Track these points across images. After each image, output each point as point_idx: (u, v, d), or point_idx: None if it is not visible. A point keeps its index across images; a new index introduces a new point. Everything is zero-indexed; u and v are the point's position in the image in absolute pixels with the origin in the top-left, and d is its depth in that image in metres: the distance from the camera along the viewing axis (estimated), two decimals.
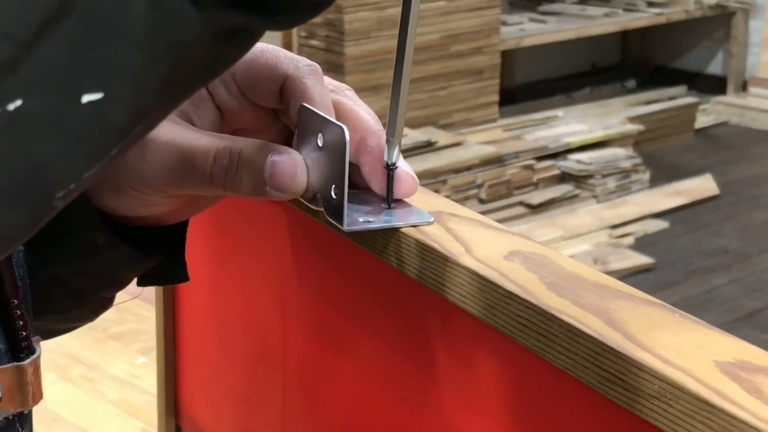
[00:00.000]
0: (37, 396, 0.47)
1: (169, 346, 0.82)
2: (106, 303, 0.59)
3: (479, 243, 0.49)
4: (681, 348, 0.39)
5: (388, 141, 0.52)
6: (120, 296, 0.60)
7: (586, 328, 0.41)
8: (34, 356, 0.47)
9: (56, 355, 1.66)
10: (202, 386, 0.79)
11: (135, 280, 0.58)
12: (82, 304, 0.57)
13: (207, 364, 0.78)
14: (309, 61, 0.52)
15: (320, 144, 0.50)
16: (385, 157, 0.52)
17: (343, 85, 0.56)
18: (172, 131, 0.50)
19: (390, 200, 0.52)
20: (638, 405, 0.39)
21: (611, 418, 0.41)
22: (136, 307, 1.53)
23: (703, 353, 0.39)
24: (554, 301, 0.43)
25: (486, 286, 0.45)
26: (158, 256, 0.56)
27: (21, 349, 0.46)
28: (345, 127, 0.48)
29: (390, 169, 0.52)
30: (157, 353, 0.83)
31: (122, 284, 0.57)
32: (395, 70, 0.50)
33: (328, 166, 0.49)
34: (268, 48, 0.51)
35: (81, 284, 0.55)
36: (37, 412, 1.19)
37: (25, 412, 0.47)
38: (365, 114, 0.54)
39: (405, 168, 0.53)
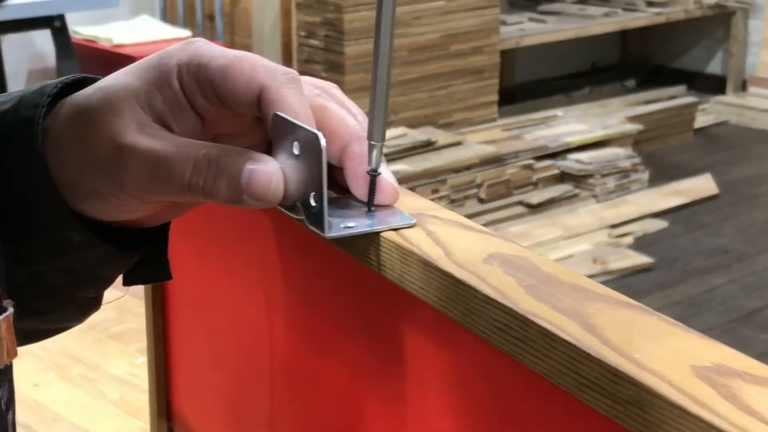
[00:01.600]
0: (12, 352, 0.47)
1: (159, 350, 0.82)
2: (92, 303, 0.58)
3: (459, 246, 0.48)
4: (657, 352, 0.39)
5: (369, 146, 0.51)
6: (115, 294, 0.60)
7: (563, 333, 0.41)
8: (6, 314, 0.47)
9: (56, 354, 1.66)
10: (194, 389, 0.79)
11: (121, 280, 0.58)
12: (65, 303, 0.57)
13: (198, 366, 0.78)
14: (287, 70, 0.51)
15: (296, 152, 0.49)
16: (366, 163, 0.51)
17: (329, 84, 0.56)
18: (151, 139, 0.49)
19: (371, 205, 0.52)
20: (615, 411, 0.39)
21: (589, 424, 0.41)
22: (135, 307, 1.53)
23: (679, 357, 0.39)
24: (532, 306, 0.43)
25: (464, 290, 0.45)
26: (138, 253, 0.55)
27: None
28: (320, 134, 0.48)
29: (372, 174, 0.51)
30: (148, 357, 0.83)
31: (104, 283, 0.57)
32: (374, 71, 0.50)
33: (306, 173, 0.49)
34: (246, 56, 0.51)
35: (61, 282, 0.55)
36: (37, 411, 1.18)
37: (1, 367, 0.47)
38: (352, 120, 0.53)
39: (387, 176, 0.52)
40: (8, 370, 0.49)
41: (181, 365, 0.81)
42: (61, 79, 0.54)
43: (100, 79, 0.54)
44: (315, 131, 0.48)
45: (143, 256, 0.56)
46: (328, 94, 0.55)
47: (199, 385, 0.78)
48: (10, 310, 0.47)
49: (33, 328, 0.57)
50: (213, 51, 0.51)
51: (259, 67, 0.50)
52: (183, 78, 0.50)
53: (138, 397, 1.18)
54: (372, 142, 0.51)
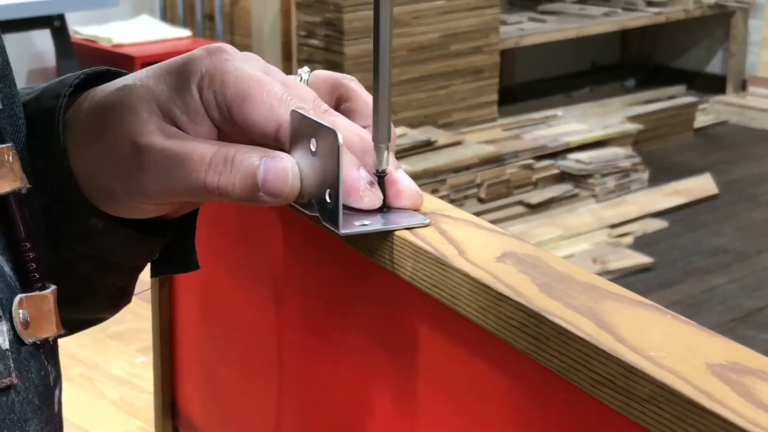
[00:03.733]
0: (58, 326, 0.48)
1: (165, 348, 0.82)
2: (122, 294, 0.59)
3: (472, 245, 0.48)
4: (672, 350, 0.39)
5: (376, 147, 0.51)
6: None
7: (578, 331, 0.41)
8: (53, 288, 0.48)
9: None
10: (199, 387, 0.79)
11: (149, 271, 0.59)
12: (94, 292, 0.57)
13: (203, 365, 0.78)
14: (300, 104, 0.51)
15: (313, 149, 0.49)
16: (375, 165, 0.51)
17: (347, 78, 0.55)
18: (168, 140, 0.50)
19: (384, 205, 0.52)
20: (630, 408, 0.39)
21: (603, 421, 0.41)
22: (136, 307, 1.53)
23: (694, 355, 0.39)
24: (546, 303, 0.43)
25: (478, 288, 0.45)
26: (162, 239, 0.56)
27: (34, 289, 0.47)
28: (338, 131, 0.48)
29: (380, 175, 0.51)
30: (153, 355, 0.83)
31: (131, 271, 0.57)
32: (375, 73, 0.50)
33: (322, 170, 0.49)
34: (264, 84, 0.50)
35: (87, 269, 0.55)
36: None
37: (51, 341, 0.48)
38: (362, 132, 0.53)
39: (408, 183, 0.52)
40: (55, 347, 0.50)
41: (186, 363, 0.81)
42: (84, 70, 0.54)
43: (122, 73, 0.54)
44: (333, 128, 0.48)
45: (169, 245, 0.56)
46: (346, 88, 0.55)
47: (204, 384, 0.78)
48: (54, 287, 0.48)
49: (66, 318, 0.57)
50: (237, 70, 0.50)
51: (276, 100, 0.50)
52: (203, 90, 0.50)
53: (138, 396, 1.18)
54: (380, 144, 0.51)
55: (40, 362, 0.47)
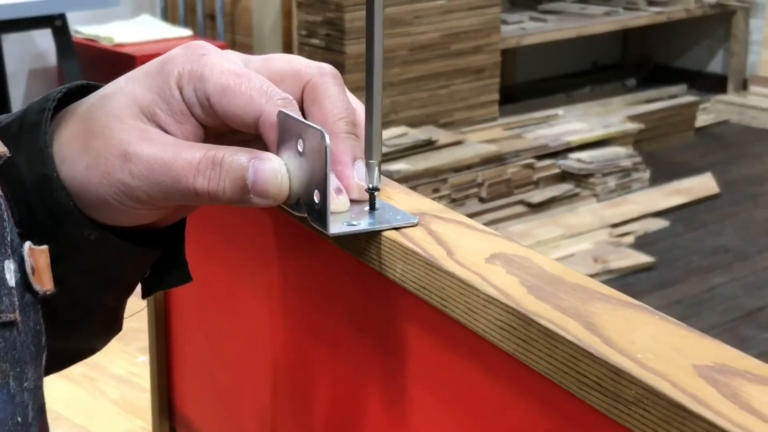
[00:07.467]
0: (51, 283, 0.48)
1: (161, 348, 0.82)
2: (113, 316, 0.58)
3: (461, 246, 0.48)
4: (659, 352, 0.39)
5: (368, 164, 0.51)
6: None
7: (565, 333, 0.41)
8: (45, 246, 0.48)
9: None
10: (196, 387, 0.80)
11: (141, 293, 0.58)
12: (88, 311, 0.57)
13: (200, 365, 0.78)
14: (284, 95, 0.51)
15: (300, 150, 0.49)
16: (367, 182, 0.51)
17: (328, 71, 0.55)
18: (155, 146, 0.50)
19: (373, 209, 0.52)
20: (617, 410, 0.39)
21: (591, 423, 0.41)
22: (136, 306, 1.53)
23: (681, 357, 0.39)
24: (534, 305, 0.43)
25: (466, 290, 0.45)
26: (154, 251, 0.56)
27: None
28: (325, 131, 0.48)
29: (371, 191, 0.51)
30: (150, 355, 0.83)
31: (123, 287, 0.57)
32: (366, 91, 0.50)
33: (310, 171, 0.49)
34: (243, 77, 0.50)
35: (81, 285, 0.55)
36: None
37: (43, 294, 0.48)
38: (344, 112, 0.52)
39: (360, 176, 0.52)
40: (39, 306, 0.49)
41: (183, 364, 0.81)
42: (66, 85, 0.54)
43: (102, 86, 0.54)
44: (319, 128, 0.48)
45: (160, 261, 0.56)
46: (312, 85, 0.54)
47: (200, 384, 0.78)
48: (46, 246, 0.48)
49: (59, 349, 0.56)
50: (215, 64, 0.51)
51: (256, 90, 0.50)
52: (183, 87, 0.51)
53: (139, 396, 1.18)
54: (370, 161, 0.51)
55: (37, 316, 0.47)
